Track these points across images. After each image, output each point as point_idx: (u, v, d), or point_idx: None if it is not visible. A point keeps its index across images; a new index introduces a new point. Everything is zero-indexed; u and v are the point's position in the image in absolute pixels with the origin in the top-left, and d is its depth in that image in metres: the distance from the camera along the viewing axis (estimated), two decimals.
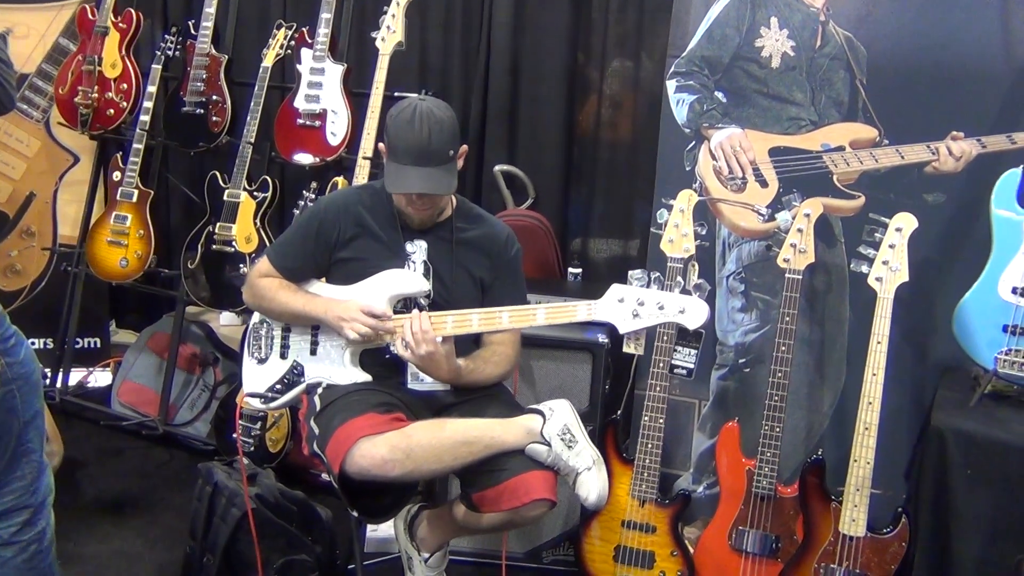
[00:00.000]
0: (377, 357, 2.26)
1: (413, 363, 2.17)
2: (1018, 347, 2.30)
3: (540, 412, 2.13)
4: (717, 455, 2.56)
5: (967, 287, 2.39)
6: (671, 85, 2.84)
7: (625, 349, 2.14)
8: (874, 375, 2.31)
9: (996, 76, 2.53)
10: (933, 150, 2.60)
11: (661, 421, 2.49)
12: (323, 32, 3.24)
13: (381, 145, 2.24)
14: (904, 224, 2.32)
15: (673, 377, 2.49)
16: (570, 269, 3.24)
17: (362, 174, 3.08)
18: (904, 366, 2.62)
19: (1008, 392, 2.37)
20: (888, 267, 2.32)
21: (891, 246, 2.32)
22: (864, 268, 2.37)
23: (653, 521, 2.52)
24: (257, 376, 2.33)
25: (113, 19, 3.57)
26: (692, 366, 2.46)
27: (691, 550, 2.55)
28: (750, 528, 2.48)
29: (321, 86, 3.25)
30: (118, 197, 3.53)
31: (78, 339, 3.88)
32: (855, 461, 2.30)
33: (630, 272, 2.09)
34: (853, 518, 2.31)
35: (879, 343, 2.31)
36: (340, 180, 3.16)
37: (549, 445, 2.06)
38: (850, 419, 2.52)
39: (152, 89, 3.53)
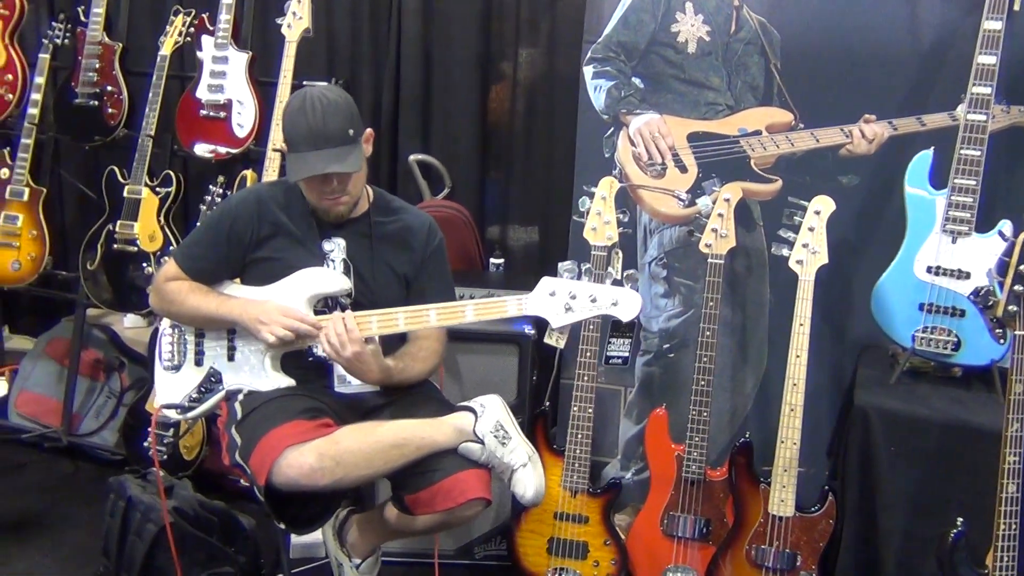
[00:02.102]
0: (300, 360, 2.16)
1: (340, 366, 2.09)
2: (934, 324, 2.36)
3: (471, 409, 2.07)
4: (646, 442, 2.56)
5: (883, 267, 2.44)
6: (588, 71, 2.82)
7: (546, 340, 2.10)
8: (798, 356, 2.34)
9: (905, 60, 2.58)
10: (847, 133, 2.64)
11: (590, 411, 2.47)
12: (224, 18, 3.11)
13: (282, 144, 2.15)
14: (822, 207, 2.35)
15: (609, 367, 2.49)
16: (492, 259, 3.19)
17: (272, 167, 2.96)
18: (823, 346, 2.67)
19: (925, 369, 2.44)
20: (808, 250, 2.34)
21: (810, 229, 2.35)
22: (785, 251, 2.39)
23: (585, 511, 2.51)
24: (171, 385, 2.20)
25: None
26: (627, 355, 2.46)
27: (623, 537, 2.55)
28: (681, 513, 2.49)
29: (225, 75, 3.11)
30: (7, 196, 3.32)
31: None
32: (782, 442, 2.33)
33: (560, 264, 2.05)
34: (782, 499, 2.34)
35: (801, 325, 2.33)
36: (249, 173, 3.03)
37: (482, 443, 2.02)
38: (773, 400, 2.56)
39: (40, 80, 3.33)
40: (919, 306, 2.38)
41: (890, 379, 2.40)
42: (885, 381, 2.40)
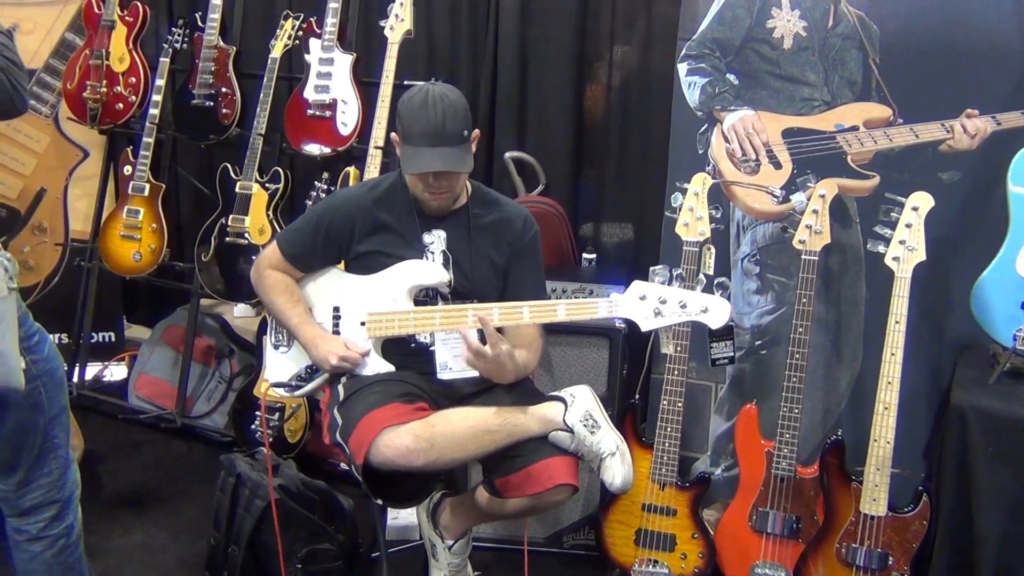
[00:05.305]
0: (402, 347, 2.26)
1: (481, 371, 2.10)
2: None
3: (561, 399, 2.13)
4: (736, 437, 2.56)
5: (983, 265, 2.39)
6: (682, 68, 2.83)
7: (663, 350, 2.16)
8: (893, 355, 2.31)
9: (1010, 53, 2.51)
10: (948, 128, 2.59)
11: (680, 405, 2.49)
12: (331, 22, 3.24)
13: (394, 135, 2.25)
14: (920, 203, 2.31)
15: (717, 367, 2.54)
16: (584, 255, 3.23)
17: (374, 164, 3.08)
18: (921, 345, 2.62)
19: None
20: (905, 246, 2.31)
21: (908, 225, 2.31)
22: (881, 248, 2.36)
23: (674, 504, 2.53)
24: (280, 365, 2.34)
25: (119, 12, 3.55)
26: (733, 353, 2.48)
27: (711, 532, 2.56)
28: (770, 509, 2.49)
29: (330, 76, 3.24)
30: (129, 191, 3.53)
31: (92, 334, 3.89)
32: (875, 441, 2.31)
33: (652, 268, 2.06)
34: (874, 498, 2.32)
35: (897, 323, 2.30)
36: (352, 170, 3.16)
37: (572, 432, 2.07)
38: (867, 399, 2.53)
39: (160, 82, 3.53)
40: (1021, 305, 2.32)
41: (990, 379, 2.34)
42: (984, 381, 2.34)
